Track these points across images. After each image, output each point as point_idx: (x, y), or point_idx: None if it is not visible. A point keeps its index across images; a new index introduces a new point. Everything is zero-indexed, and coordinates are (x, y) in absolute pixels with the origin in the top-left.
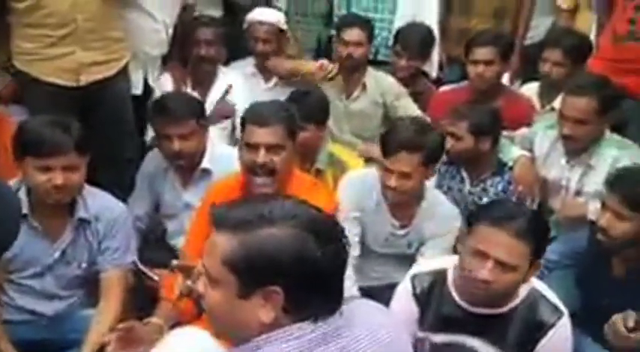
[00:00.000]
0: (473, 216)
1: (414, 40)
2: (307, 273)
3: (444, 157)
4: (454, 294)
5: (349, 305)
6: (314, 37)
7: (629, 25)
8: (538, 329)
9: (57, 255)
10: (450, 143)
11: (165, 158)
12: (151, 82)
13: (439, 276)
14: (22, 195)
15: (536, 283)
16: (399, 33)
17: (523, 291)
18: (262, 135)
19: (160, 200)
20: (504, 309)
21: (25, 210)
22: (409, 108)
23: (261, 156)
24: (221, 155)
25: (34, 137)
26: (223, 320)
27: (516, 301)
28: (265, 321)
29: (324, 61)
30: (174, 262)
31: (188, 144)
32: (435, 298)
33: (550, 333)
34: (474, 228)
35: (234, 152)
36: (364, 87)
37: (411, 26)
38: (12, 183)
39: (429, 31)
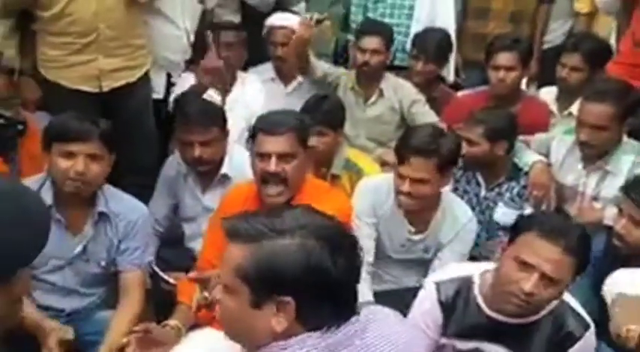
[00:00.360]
0: (520, 226)
1: (431, 45)
2: (318, 283)
3: (460, 162)
4: (481, 302)
5: (363, 312)
6: (331, 42)
7: None
8: (565, 340)
9: (78, 249)
10: (465, 148)
11: (185, 163)
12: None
13: (464, 283)
14: (48, 187)
15: (565, 295)
16: (416, 37)
17: (552, 302)
18: (273, 143)
19: (179, 203)
20: (530, 319)
21: (49, 201)
22: (427, 115)
23: (273, 165)
24: (240, 160)
25: (61, 124)
26: (235, 328)
27: (543, 312)
28: (278, 330)
29: (303, 17)
30: (191, 274)
31: (209, 151)
32: (460, 305)
33: (577, 345)
34: (520, 238)
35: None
36: (381, 93)
37: (429, 31)
38: (38, 176)
39: (447, 35)
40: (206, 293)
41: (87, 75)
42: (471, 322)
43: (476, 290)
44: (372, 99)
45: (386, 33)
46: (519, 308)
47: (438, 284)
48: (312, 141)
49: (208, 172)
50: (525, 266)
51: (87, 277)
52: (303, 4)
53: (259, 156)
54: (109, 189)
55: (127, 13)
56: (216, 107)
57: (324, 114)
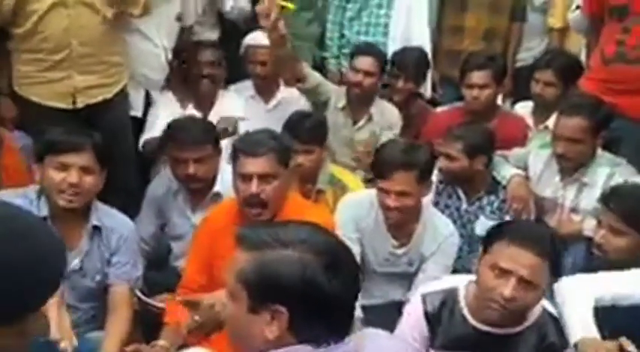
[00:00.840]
0: (493, 235)
1: (410, 63)
2: (312, 298)
3: (441, 176)
4: (466, 313)
5: (357, 334)
6: (309, 59)
7: (618, 46)
8: (548, 350)
9: (75, 264)
10: (443, 163)
11: (179, 181)
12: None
13: (450, 295)
14: (43, 201)
15: (546, 304)
16: (395, 56)
17: (535, 312)
18: (254, 165)
19: (167, 222)
20: (515, 330)
21: (45, 213)
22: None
23: (254, 186)
24: (230, 178)
25: (54, 136)
26: (235, 331)
27: (528, 322)
28: (270, 338)
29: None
30: (179, 298)
31: (203, 168)
32: (446, 316)
33: None
34: (494, 247)
35: None
36: (370, 117)
37: (407, 50)
38: (31, 189)
39: (424, 53)
40: (197, 317)
41: (61, 92)
42: (457, 333)
43: (461, 302)
44: (361, 122)
45: (379, 55)
46: (502, 315)
47: (424, 297)
48: (299, 159)
49: (200, 190)
50: (503, 272)
51: (82, 292)
52: None
53: (240, 177)
54: (99, 205)
55: (100, 30)
56: (209, 124)
57: (309, 131)
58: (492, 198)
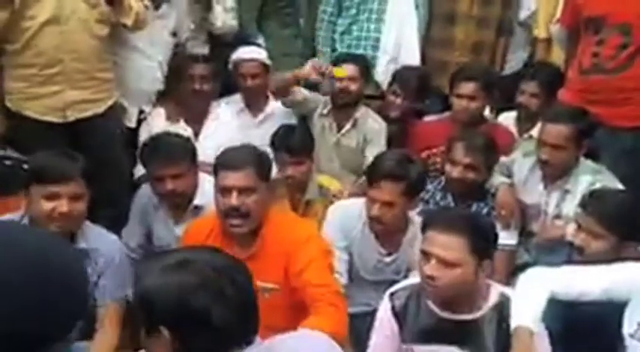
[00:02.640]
0: (422, 226)
1: (413, 84)
2: (191, 321)
3: (430, 185)
4: (431, 304)
5: (272, 342)
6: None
7: (593, 58)
8: (507, 332)
9: None
10: (461, 173)
11: (158, 197)
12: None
13: (414, 289)
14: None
15: (504, 289)
16: (397, 75)
17: (493, 297)
18: (233, 178)
19: (151, 234)
20: (476, 315)
21: None
22: (376, 147)
23: (234, 199)
24: (211, 191)
25: (41, 164)
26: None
27: (487, 306)
28: None
29: (315, 60)
30: None
31: (181, 184)
32: (412, 310)
33: None
34: (424, 236)
35: None
36: (355, 122)
37: (410, 69)
38: (14, 216)
39: (427, 74)
40: None
41: (53, 106)
42: (424, 325)
43: (425, 294)
44: (346, 128)
45: (361, 61)
46: (435, 296)
47: (391, 294)
48: (289, 171)
49: (180, 204)
50: (425, 255)
51: None
52: (262, 40)
53: (220, 190)
54: (86, 224)
55: (92, 46)
56: (185, 140)
57: (297, 144)
58: (481, 205)
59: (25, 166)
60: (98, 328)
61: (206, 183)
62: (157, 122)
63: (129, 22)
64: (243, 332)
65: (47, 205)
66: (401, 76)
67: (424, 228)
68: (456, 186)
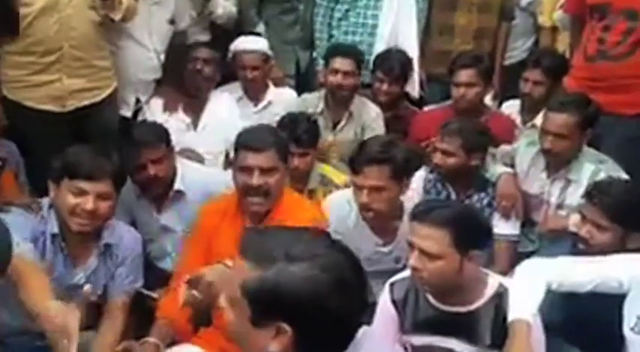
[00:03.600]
0: (410, 215)
1: (396, 67)
2: (321, 318)
3: (429, 174)
4: (429, 296)
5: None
6: (293, 62)
7: (599, 44)
8: (504, 322)
9: (77, 279)
10: (439, 159)
11: (140, 186)
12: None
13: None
14: (53, 214)
15: (503, 280)
16: (378, 59)
17: (491, 288)
18: (256, 159)
19: (136, 224)
20: (473, 306)
21: (56, 230)
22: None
23: (256, 179)
24: (192, 178)
25: (74, 159)
26: (236, 338)
27: (484, 298)
28: (271, 351)
29: None
30: (187, 276)
31: (162, 168)
32: (411, 301)
33: None
34: (411, 225)
35: (208, 171)
36: (351, 115)
37: (390, 52)
38: (46, 199)
39: (406, 55)
40: (195, 292)
41: (51, 95)
42: (423, 316)
43: None
44: (342, 123)
45: (357, 55)
46: (422, 287)
47: (391, 285)
48: (295, 162)
49: (162, 192)
50: (410, 246)
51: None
52: (262, 26)
53: (242, 169)
54: (113, 221)
55: (90, 33)
56: (159, 125)
57: (303, 135)
58: (482, 195)
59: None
60: (104, 318)
61: (186, 170)
62: (155, 113)
63: (117, 17)
64: (355, 330)
65: (73, 200)
66: (382, 60)
67: (410, 218)
68: (449, 173)
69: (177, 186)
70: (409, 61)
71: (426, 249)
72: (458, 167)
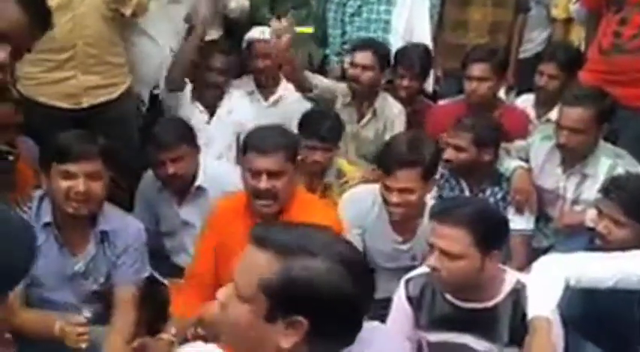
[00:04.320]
0: (430, 215)
1: (415, 61)
2: (339, 309)
3: (443, 169)
4: (445, 292)
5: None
6: (305, 58)
7: (614, 38)
8: (523, 319)
9: (77, 268)
10: (451, 154)
11: (160, 181)
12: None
13: (431, 277)
14: (47, 204)
15: (520, 276)
16: (398, 55)
17: (508, 285)
18: (264, 162)
19: (157, 218)
20: (491, 303)
21: (48, 219)
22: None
23: (264, 182)
24: (214, 173)
25: (60, 143)
26: (241, 336)
27: (502, 295)
28: (284, 347)
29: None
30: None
31: (181, 167)
32: (428, 297)
33: None
34: (431, 225)
35: (227, 168)
36: (375, 112)
37: (410, 48)
38: (38, 192)
39: (427, 50)
40: (200, 330)
41: (66, 92)
42: (439, 313)
43: None
44: (366, 118)
45: (380, 50)
46: (441, 286)
47: (407, 281)
48: (316, 156)
49: (182, 187)
50: (431, 246)
51: (86, 294)
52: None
53: (250, 172)
54: (107, 207)
55: (104, 30)
56: (182, 124)
57: (328, 131)
58: (496, 189)
59: (10, 157)
60: (115, 311)
61: (208, 166)
62: (184, 101)
63: (127, 11)
64: (362, 319)
65: (64, 184)
66: (402, 56)
67: (430, 218)
68: (452, 168)
69: (198, 182)
70: (429, 55)
71: (448, 249)
72: (469, 162)
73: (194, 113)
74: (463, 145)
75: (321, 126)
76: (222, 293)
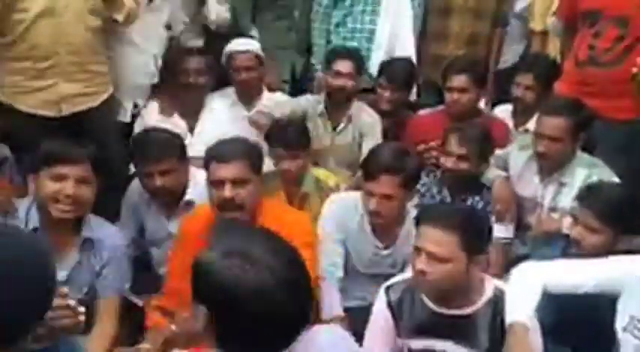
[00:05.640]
0: (416, 221)
1: (400, 75)
2: (230, 307)
3: (425, 177)
4: (424, 298)
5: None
6: (288, 68)
7: (589, 50)
8: (502, 325)
9: (61, 276)
10: (454, 163)
11: (148, 193)
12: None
13: (410, 284)
14: (34, 211)
15: (498, 283)
16: (383, 67)
17: (488, 292)
18: (226, 170)
19: (144, 228)
20: (471, 309)
21: (36, 224)
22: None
23: (227, 191)
24: (202, 185)
25: (49, 148)
26: None
27: (482, 301)
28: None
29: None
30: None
31: (169, 180)
32: (407, 304)
33: None
34: (417, 229)
35: None
36: (350, 119)
37: (396, 61)
38: (24, 201)
39: (412, 64)
40: (173, 327)
41: (47, 100)
42: (419, 319)
43: None
44: (341, 125)
45: (358, 58)
46: (426, 290)
47: (387, 288)
48: (285, 164)
49: (170, 200)
50: (417, 250)
51: None
52: (255, 32)
53: (214, 183)
54: (90, 215)
55: (86, 39)
56: (172, 136)
57: (294, 138)
58: (477, 198)
59: None
60: (96, 321)
61: (199, 179)
62: (151, 116)
63: (120, 17)
64: (291, 332)
65: (53, 186)
66: (387, 68)
67: (417, 223)
68: (450, 177)
69: (188, 196)
70: (414, 69)
71: (435, 252)
72: (469, 172)
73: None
74: (469, 155)
75: (285, 133)
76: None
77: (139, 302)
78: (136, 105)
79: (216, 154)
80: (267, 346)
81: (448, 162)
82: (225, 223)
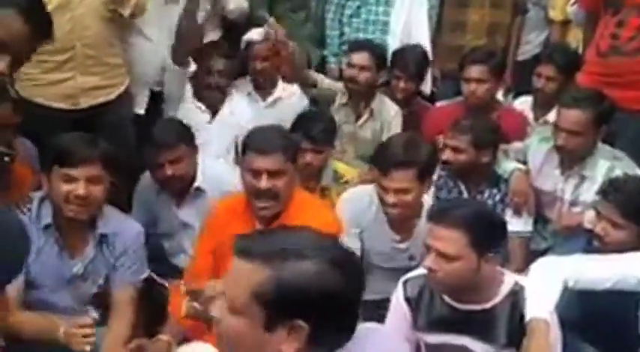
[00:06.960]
0: (427, 217)
1: (411, 63)
2: (334, 308)
3: (441, 171)
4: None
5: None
6: (304, 59)
7: (612, 40)
8: (520, 320)
9: (76, 270)
10: (450, 156)
11: (158, 183)
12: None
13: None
14: (47, 206)
15: (518, 278)
16: (395, 56)
17: (506, 287)
18: (264, 162)
19: (156, 219)
20: (489, 305)
21: (48, 221)
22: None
23: (264, 182)
24: (213, 174)
25: (61, 147)
26: (245, 348)
27: (500, 296)
28: None
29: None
30: (183, 287)
31: (180, 168)
32: (426, 299)
33: None
34: (428, 226)
35: (226, 169)
36: (372, 113)
37: (407, 49)
38: (38, 194)
39: (424, 52)
40: (196, 304)
41: (64, 93)
42: (437, 314)
43: None
44: (363, 118)
45: (376, 50)
46: (437, 287)
47: (405, 282)
48: (308, 158)
49: (181, 188)
50: (427, 248)
51: (85, 296)
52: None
53: (250, 172)
54: (107, 208)
55: (103, 31)
56: (180, 125)
57: (321, 132)
58: (494, 191)
59: (6, 158)
60: (112, 313)
61: (207, 167)
62: (186, 98)
63: (126, 12)
64: (357, 315)
65: (64, 188)
66: (399, 58)
67: (428, 220)
68: (462, 170)
69: (197, 183)
70: (426, 57)
71: (443, 250)
72: (467, 164)
73: (196, 112)
74: (462, 147)
75: (312, 127)
76: (215, 309)
77: (165, 283)
78: (152, 94)
79: (254, 144)
80: (344, 337)
81: (444, 155)
82: (250, 235)
